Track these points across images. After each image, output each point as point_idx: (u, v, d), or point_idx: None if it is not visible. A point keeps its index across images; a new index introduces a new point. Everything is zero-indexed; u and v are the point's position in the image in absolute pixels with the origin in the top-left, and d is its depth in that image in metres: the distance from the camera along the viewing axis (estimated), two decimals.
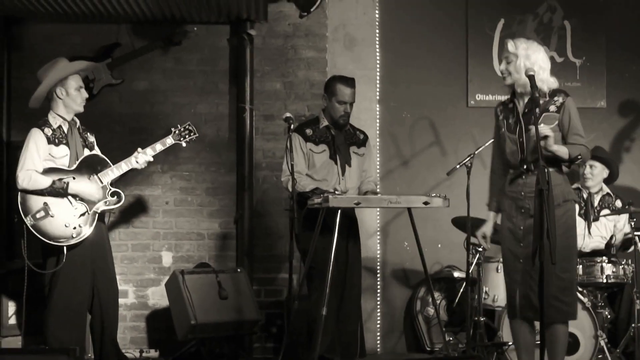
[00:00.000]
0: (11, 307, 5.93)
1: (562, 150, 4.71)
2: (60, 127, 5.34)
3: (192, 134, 5.68)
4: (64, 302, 5.23)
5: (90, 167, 5.36)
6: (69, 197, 5.24)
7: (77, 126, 5.43)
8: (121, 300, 6.13)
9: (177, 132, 5.64)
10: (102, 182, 5.35)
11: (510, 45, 4.86)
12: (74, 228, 5.22)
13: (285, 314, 6.44)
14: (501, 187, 4.99)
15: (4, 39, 6.77)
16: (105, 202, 5.36)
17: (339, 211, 5.34)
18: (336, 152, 5.80)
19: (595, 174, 6.49)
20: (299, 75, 6.98)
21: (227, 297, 6.21)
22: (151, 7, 6.45)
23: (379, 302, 6.98)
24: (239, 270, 6.47)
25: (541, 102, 4.77)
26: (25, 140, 5.28)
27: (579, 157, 4.75)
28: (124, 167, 5.42)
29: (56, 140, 5.28)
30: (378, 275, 7.00)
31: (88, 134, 5.51)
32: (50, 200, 5.20)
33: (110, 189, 5.38)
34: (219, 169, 6.88)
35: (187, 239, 6.83)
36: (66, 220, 5.21)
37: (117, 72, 6.80)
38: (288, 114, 5.64)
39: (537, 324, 4.86)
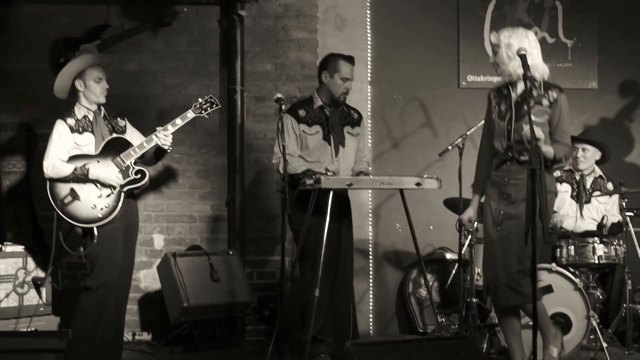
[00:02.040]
0: (2, 290, 5.93)
1: (549, 152, 4.74)
2: (85, 116, 5.45)
3: (214, 106, 5.67)
4: (99, 283, 5.32)
5: (114, 149, 5.42)
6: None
7: (103, 114, 5.51)
8: None
9: (197, 105, 5.65)
10: (125, 162, 5.41)
11: (494, 37, 4.90)
12: (101, 209, 5.32)
13: (278, 296, 6.45)
14: (489, 170, 5.03)
15: None
16: (130, 181, 5.41)
17: (331, 192, 5.32)
18: (330, 132, 5.76)
19: (588, 156, 6.50)
20: (290, 56, 6.95)
21: (219, 280, 6.21)
22: None
23: (371, 284, 6.99)
24: (230, 252, 6.46)
25: (535, 94, 4.80)
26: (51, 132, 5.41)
27: (563, 158, 4.85)
28: (145, 145, 5.47)
29: (80, 129, 5.40)
30: (370, 257, 7.00)
31: (118, 119, 5.60)
32: (76, 185, 5.32)
33: (134, 168, 5.43)
34: (210, 150, 6.86)
35: (179, 222, 6.82)
36: (93, 202, 5.32)
37: (107, 54, 6.74)
38: (279, 95, 5.61)
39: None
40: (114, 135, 5.50)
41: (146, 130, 5.70)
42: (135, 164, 5.44)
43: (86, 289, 5.36)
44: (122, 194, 5.39)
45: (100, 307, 5.31)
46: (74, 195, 5.30)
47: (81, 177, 5.30)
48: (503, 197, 4.86)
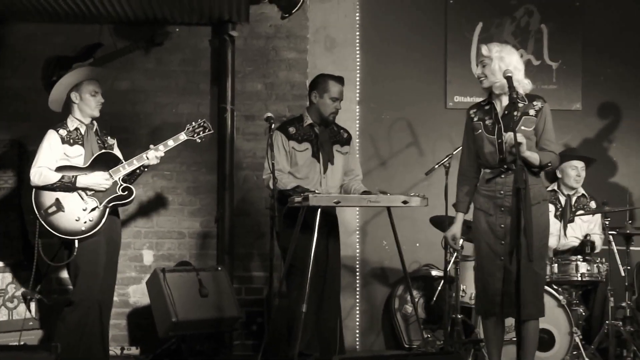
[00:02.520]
0: None
1: (534, 157, 4.80)
2: (77, 129, 5.49)
3: (206, 130, 5.74)
4: (82, 297, 5.33)
5: (103, 164, 5.45)
6: (80, 192, 5.36)
7: (95, 129, 5.55)
8: None
9: (190, 128, 5.71)
10: (113, 178, 5.43)
11: (485, 49, 4.95)
12: (85, 222, 5.33)
13: (266, 311, 6.49)
14: (471, 188, 5.06)
15: None
16: (116, 197, 5.43)
17: (319, 210, 5.38)
18: (319, 150, 5.82)
19: (583, 175, 6.60)
20: (280, 76, 7.03)
21: (208, 295, 6.24)
22: (133, 8, 6.49)
23: (358, 300, 7.04)
24: (219, 268, 6.50)
25: (520, 105, 4.87)
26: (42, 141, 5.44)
27: (549, 164, 4.89)
28: (135, 162, 5.51)
29: (71, 141, 5.44)
30: (357, 273, 7.06)
31: (108, 137, 5.65)
32: (62, 195, 5.33)
33: (121, 185, 5.46)
34: (200, 168, 6.92)
35: (168, 238, 6.86)
36: (77, 215, 5.33)
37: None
38: (269, 114, 5.68)
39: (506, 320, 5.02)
40: (105, 150, 5.54)
41: (137, 148, 5.79)
42: (123, 180, 5.48)
43: (69, 304, 5.36)
44: (107, 209, 5.41)
45: (82, 322, 5.30)
46: (58, 205, 5.30)
47: (68, 185, 5.30)
48: (501, 210, 4.87)
